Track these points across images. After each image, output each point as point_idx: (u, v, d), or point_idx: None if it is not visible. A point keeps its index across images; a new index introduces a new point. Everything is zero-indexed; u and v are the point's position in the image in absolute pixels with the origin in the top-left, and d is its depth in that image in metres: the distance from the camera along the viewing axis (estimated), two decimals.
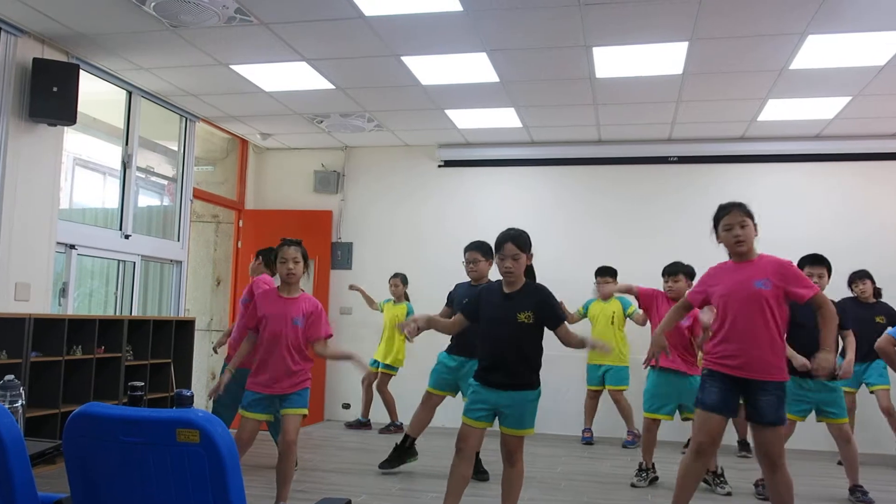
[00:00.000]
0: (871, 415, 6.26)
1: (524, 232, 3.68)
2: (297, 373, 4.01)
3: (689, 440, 6.41)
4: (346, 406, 8.01)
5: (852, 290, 6.01)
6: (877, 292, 6.02)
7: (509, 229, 3.69)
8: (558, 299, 3.84)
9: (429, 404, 5.31)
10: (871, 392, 5.97)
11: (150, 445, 1.72)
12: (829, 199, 7.33)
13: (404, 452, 5.40)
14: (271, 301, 4.08)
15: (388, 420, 7.31)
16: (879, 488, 5.04)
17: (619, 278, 6.89)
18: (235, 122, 7.57)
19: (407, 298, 7.39)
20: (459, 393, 5.24)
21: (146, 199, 7.38)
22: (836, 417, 4.70)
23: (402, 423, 7.19)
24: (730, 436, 5.99)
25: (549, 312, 3.61)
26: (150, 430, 1.73)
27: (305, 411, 4.03)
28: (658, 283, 5.46)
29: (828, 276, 4.75)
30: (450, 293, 5.36)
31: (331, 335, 4.15)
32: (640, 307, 5.47)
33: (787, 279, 3.50)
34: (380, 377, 7.25)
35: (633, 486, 5.14)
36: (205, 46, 5.45)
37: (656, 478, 5.24)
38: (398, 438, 5.58)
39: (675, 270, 5.21)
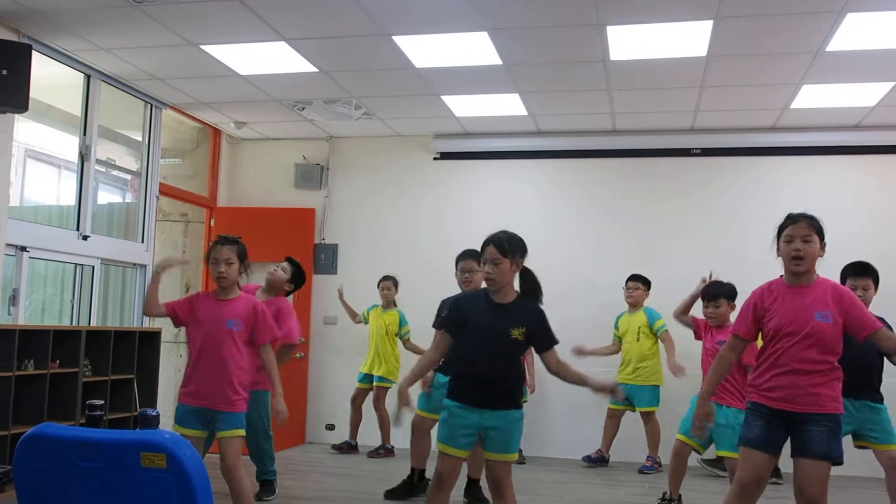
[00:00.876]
0: None
1: (514, 236, 3.70)
2: (235, 387, 3.98)
3: (715, 458, 6.43)
4: (331, 427, 7.99)
5: None
6: None
7: (498, 232, 3.71)
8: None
9: (421, 430, 5.30)
10: None
11: (112, 471, 1.73)
12: (870, 196, 7.34)
13: (415, 487, 5.41)
14: (207, 305, 4.09)
15: (378, 442, 7.28)
16: None
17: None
18: (207, 110, 7.57)
19: (395, 304, 7.39)
20: None
21: (107, 196, 7.37)
22: (882, 443, 4.53)
23: (392, 447, 7.20)
24: None
25: (542, 332, 3.64)
26: (112, 453, 1.73)
27: (242, 432, 4.02)
28: (677, 289, 5.46)
29: (874, 287, 4.60)
30: None
31: (277, 337, 4.17)
32: (695, 337, 5.41)
33: (847, 311, 3.45)
34: (376, 392, 7.22)
35: None
36: (172, 24, 5.45)
37: None
38: (389, 462, 5.57)
39: (716, 294, 5.05)
